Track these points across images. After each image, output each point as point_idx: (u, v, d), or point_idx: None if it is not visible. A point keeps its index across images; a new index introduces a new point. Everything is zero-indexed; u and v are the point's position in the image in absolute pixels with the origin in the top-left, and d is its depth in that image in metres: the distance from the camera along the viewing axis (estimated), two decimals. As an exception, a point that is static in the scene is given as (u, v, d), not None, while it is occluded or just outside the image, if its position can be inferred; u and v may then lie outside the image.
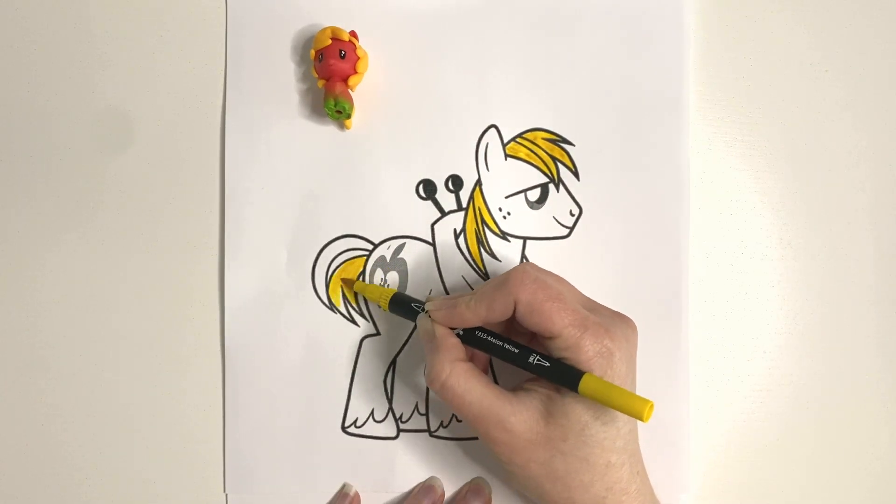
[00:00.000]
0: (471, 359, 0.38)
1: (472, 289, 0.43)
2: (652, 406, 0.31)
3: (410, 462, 0.42)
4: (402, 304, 0.40)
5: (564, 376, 0.33)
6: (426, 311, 0.38)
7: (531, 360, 0.35)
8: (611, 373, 0.33)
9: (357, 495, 0.42)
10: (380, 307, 0.41)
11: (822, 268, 0.44)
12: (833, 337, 0.44)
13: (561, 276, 0.38)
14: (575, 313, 0.34)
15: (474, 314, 0.35)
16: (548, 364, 0.34)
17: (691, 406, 0.43)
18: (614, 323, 0.35)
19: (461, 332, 0.37)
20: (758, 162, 0.44)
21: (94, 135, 0.43)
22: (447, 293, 0.43)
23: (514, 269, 0.35)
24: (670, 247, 0.43)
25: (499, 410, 0.34)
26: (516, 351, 0.35)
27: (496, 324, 0.37)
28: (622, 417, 0.35)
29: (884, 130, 0.44)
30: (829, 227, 0.44)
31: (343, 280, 0.43)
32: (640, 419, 0.31)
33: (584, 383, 0.32)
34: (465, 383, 0.35)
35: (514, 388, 0.36)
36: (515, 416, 0.34)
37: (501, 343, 0.36)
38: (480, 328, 0.37)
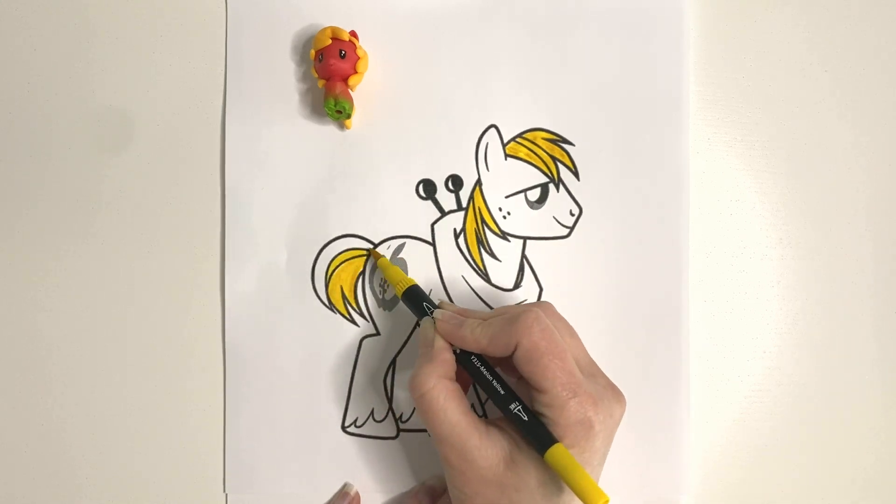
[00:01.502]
0: (457, 376, 0.37)
1: (472, 288, 0.43)
2: (607, 501, 0.30)
3: (410, 462, 0.42)
4: (414, 300, 0.39)
5: (536, 437, 0.33)
6: (433, 318, 0.38)
7: (512, 407, 0.34)
8: (584, 444, 0.33)
9: (357, 495, 0.42)
10: (386, 294, 0.41)
11: (822, 268, 0.44)
12: (833, 337, 0.44)
13: (572, 327, 0.37)
14: (569, 375, 0.33)
15: (475, 342, 0.35)
16: (525, 418, 0.34)
17: (691, 406, 0.43)
18: (604, 396, 0.35)
19: (458, 350, 0.37)
20: (758, 162, 0.44)
21: (94, 135, 0.43)
22: (447, 293, 0.43)
23: (527, 311, 0.34)
24: (670, 247, 0.43)
25: (466, 440, 0.34)
26: (501, 392, 0.35)
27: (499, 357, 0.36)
28: None
29: (883, 130, 0.44)
30: (828, 227, 0.44)
31: (370, 251, 0.42)
32: None
33: (552, 453, 0.32)
34: (444, 402, 0.34)
35: (490, 422, 0.36)
36: (480, 451, 0.34)
37: (491, 378, 0.36)
38: (477, 355, 0.36)
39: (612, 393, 0.35)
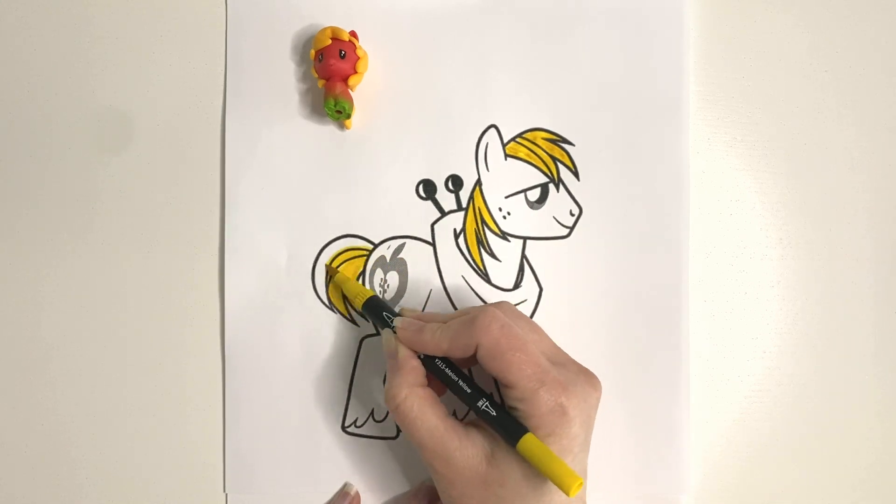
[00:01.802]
0: (430, 382, 0.38)
1: (472, 288, 0.43)
2: (580, 483, 0.31)
3: (410, 462, 0.42)
4: (375, 311, 0.40)
5: (507, 429, 0.34)
6: (392, 328, 0.38)
7: (479, 404, 0.35)
8: (560, 431, 0.33)
9: (357, 495, 0.42)
10: (386, 294, 0.41)
11: (822, 268, 0.44)
12: (833, 337, 0.44)
13: (535, 322, 0.38)
14: (535, 366, 0.33)
15: (436, 346, 0.36)
16: (494, 413, 0.34)
17: (691, 406, 0.43)
18: (575, 381, 0.35)
19: (422, 356, 0.37)
20: (758, 162, 0.44)
21: (94, 135, 0.43)
22: (447, 293, 0.43)
23: (484, 310, 0.35)
24: (670, 247, 0.43)
25: (446, 444, 0.34)
26: (468, 391, 0.35)
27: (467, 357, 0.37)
28: None
29: (884, 130, 0.44)
30: (829, 227, 0.44)
31: (326, 266, 0.42)
32: (567, 493, 0.31)
33: (522, 443, 0.32)
34: (419, 410, 0.35)
35: (468, 423, 0.36)
36: (460, 451, 0.34)
37: (456, 378, 0.36)
38: (441, 357, 0.37)
39: (585, 377, 0.36)
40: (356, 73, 0.41)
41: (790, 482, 0.44)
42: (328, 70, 0.40)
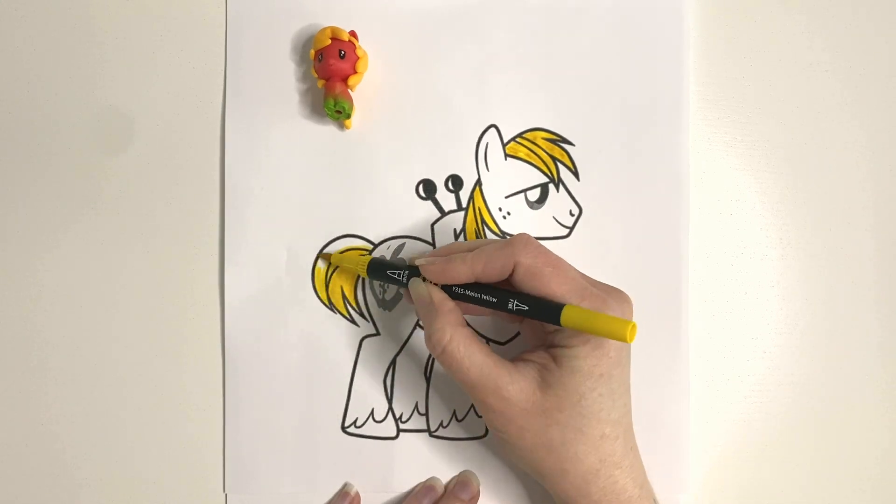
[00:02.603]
0: None
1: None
2: (635, 326, 0.31)
3: (410, 462, 0.42)
4: (380, 270, 0.39)
5: (546, 312, 0.34)
6: (418, 269, 0.37)
7: (510, 305, 0.35)
8: (606, 345, 0.34)
9: (357, 495, 0.42)
10: (386, 294, 0.41)
11: (822, 268, 0.44)
12: (833, 337, 0.44)
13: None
14: (574, 281, 0.34)
15: (470, 269, 0.35)
16: (527, 307, 0.34)
17: (691, 406, 0.43)
18: (611, 295, 0.35)
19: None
20: (758, 162, 0.44)
21: (94, 135, 0.43)
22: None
23: (518, 234, 0.36)
24: (670, 247, 0.43)
25: (497, 378, 0.35)
26: (495, 300, 0.35)
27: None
28: (617, 388, 0.35)
29: (884, 130, 0.44)
30: (829, 227, 0.44)
31: (322, 256, 0.42)
32: (624, 340, 0.31)
33: (567, 313, 0.33)
34: (466, 349, 0.35)
35: (513, 359, 0.37)
36: (513, 384, 0.35)
37: (479, 294, 0.36)
38: (462, 285, 0.36)
39: (617, 293, 0.36)
40: (356, 73, 0.41)
41: (790, 482, 0.44)
42: (328, 70, 0.40)
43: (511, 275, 0.35)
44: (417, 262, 0.38)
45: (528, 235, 0.36)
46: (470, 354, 0.35)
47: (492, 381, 0.35)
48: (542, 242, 0.42)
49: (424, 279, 0.37)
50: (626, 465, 0.35)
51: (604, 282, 0.37)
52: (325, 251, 0.43)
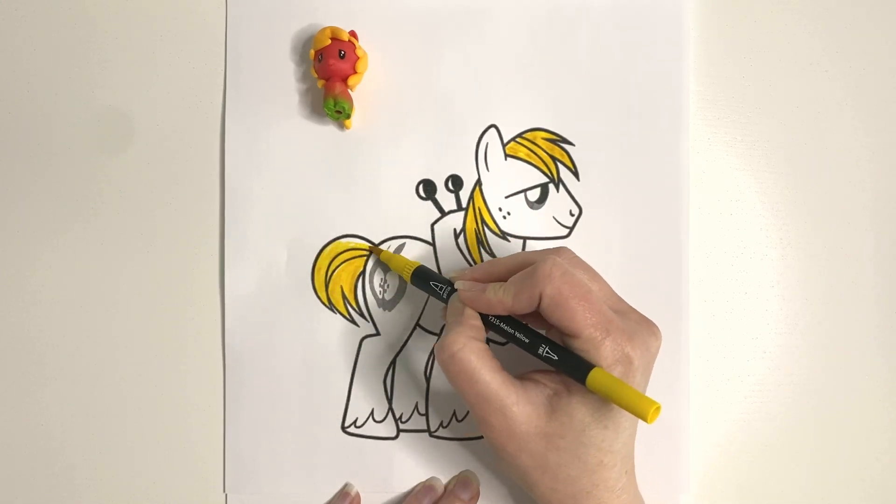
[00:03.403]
0: None
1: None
2: (658, 408, 0.30)
3: (410, 462, 0.42)
4: (424, 280, 0.40)
5: (573, 368, 0.33)
6: (456, 290, 0.38)
7: (540, 350, 0.34)
8: (626, 381, 0.33)
9: (358, 495, 0.42)
10: (386, 294, 0.41)
11: (822, 268, 0.44)
12: (833, 337, 0.44)
13: (594, 269, 0.37)
14: (599, 314, 0.33)
15: (500, 303, 0.35)
16: (556, 357, 0.34)
17: (691, 406, 0.43)
18: (639, 329, 0.35)
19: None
20: (758, 162, 0.44)
21: (94, 135, 0.43)
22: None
23: (545, 259, 0.34)
24: (670, 247, 0.43)
25: (504, 396, 0.34)
26: (527, 340, 0.35)
27: (526, 314, 0.36)
28: (624, 423, 0.34)
29: (884, 130, 0.44)
30: (829, 227, 0.44)
31: (371, 248, 0.43)
32: (645, 420, 0.30)
33: (593, 377, 0.32)
34: (477, 361, 0.34)
35: (522, 377, 0.36)
36: (518, 405, 0.34)
37: (513, 331, 0.36)
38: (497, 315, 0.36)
39: (647, 326, 0.36)
40: (356, 73, 0.41)
41: (790, 482, 0.44)
42: (328, 70, 0.40)
43: (538, 307, 0.34)
44: (456, 285, 0.38)
45: (555, 259, 0.34)
46: (480, 367, 0.34)
47: (497, 398, 0.34)
48: (542, 243, 0.43)
49: None
50: (618, 488, 0.35)
51: (636, 308, 0.37)
52: (332, 261, 0.43)
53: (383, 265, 0.43)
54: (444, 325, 0.43)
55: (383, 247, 0.43)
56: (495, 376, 0.34)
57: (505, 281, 0.36)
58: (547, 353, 0.34)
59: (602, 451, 0.34)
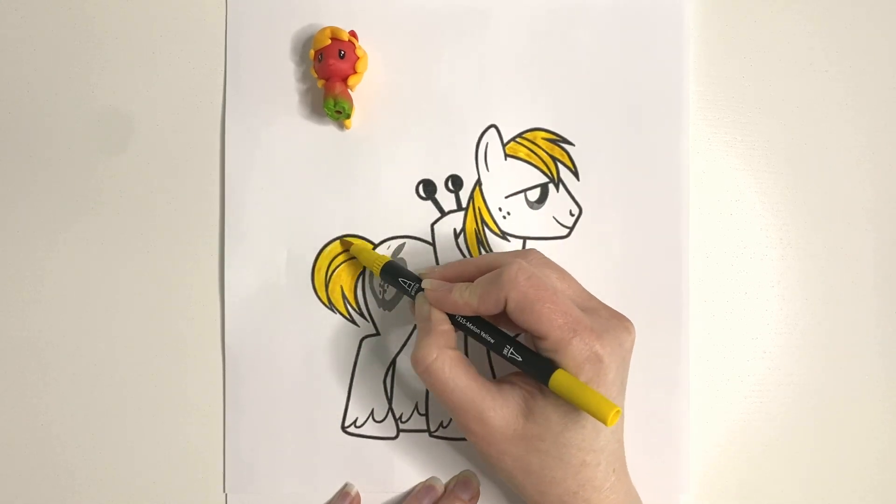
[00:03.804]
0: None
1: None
2: (618, 412, 0.30)
3: (410, 462, 0.42)
4: (393, 276, 0.39)
5: (536, 370, 0.33)
6: (413, 293, 0.38)
7: (505, 351, 0.35)
8: (597, 379, 0.33)
9: (358, 495, 0.42)
10: (386, 294, 0.41)
11: (822, 268, 0.44)
12: (833, 337, 0.44)
13: (563, 269, 0.37)
14: (565, 315, 0.33)
15: (466, 305, 0.35)
16: (520, 358, 0.34)
17: (691, 406, 0.43)
18: (609, 326, 0.35)
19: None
20: (758, 162, 0.44)
21: (93, 135, 0.43)
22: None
23: (510, 263, 0.34)
24: (670, 247, 0.43)
25: (480, 403, 0.34)
26: (492, 341, 0.35)
27: (497, 315, 0.36)
28: None
29: (884, 130, 0.44)
30: (829, 227, 0.44)
31: (341, 241, 0.42)
32: (604, 423, 0.30)
33: (555, 379, 0.32)
34: (450, 371, 0.35)
35: (501, 380, 0.36)
36: (495, 410, 0.34)
37: (479, 330, 0.36)
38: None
39: (618, 322, 0.35)
40: (356, 73, 0.41)
41: (790, 482, 0.44)
42: (328, 70, 0.40)
43: (504, 310, 0.34)
44: (423, 283, 0.38)
45: (521, 262, 0.34)
46: (454, 377, 0.35)
47: (474, 405, 0.34)
48: (542, 243, 0.43)
49: None
50: (605, 487, 0.35)
51: (605, 302, 0.37)
52: (331, 261, 0.43)
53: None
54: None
55: (383, 247, 0.43)
56: (470, 384, 0.35)
57: (473, 281, 0.36)
58: (511, 354, 0.34)
59: (583, 450, 0.34)
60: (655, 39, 0.43)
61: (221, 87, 0.43)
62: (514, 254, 0.37)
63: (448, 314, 0.37)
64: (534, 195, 0.43)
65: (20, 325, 0.43)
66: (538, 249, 0.38)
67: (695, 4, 0.44)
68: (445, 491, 0.42)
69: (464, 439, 0.43)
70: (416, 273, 0.39)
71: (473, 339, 0.36)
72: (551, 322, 0.33)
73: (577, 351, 0.33)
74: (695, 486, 0.43)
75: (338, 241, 0.43)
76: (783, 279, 0.44)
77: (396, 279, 0.39)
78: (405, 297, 0.42)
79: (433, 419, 0.43)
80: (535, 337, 0.34)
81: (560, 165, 0.43)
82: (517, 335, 0.39)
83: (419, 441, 0.43)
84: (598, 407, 0.31)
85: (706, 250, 0.44)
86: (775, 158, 0.44)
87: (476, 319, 0.36)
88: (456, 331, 0.37)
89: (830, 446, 0.44)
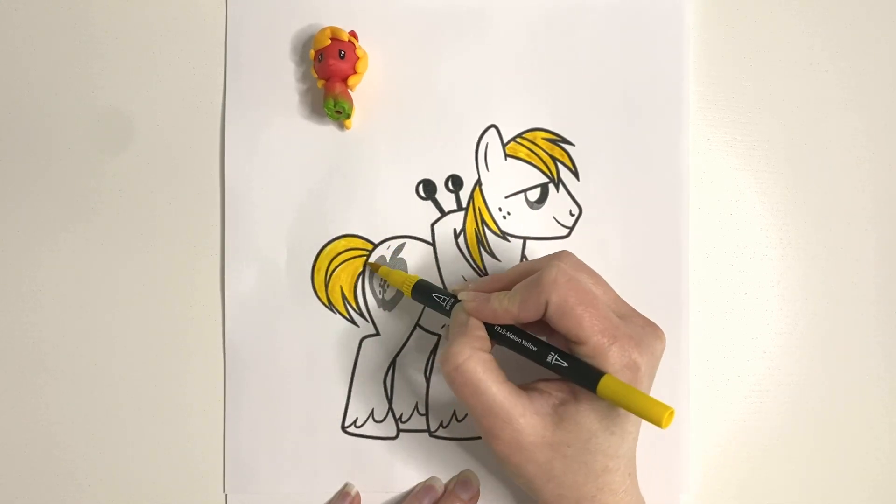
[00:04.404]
0: None
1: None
2: (672, 413, 0.30)
3: (410, 462, 0.42)
4: (425, 294, 0.39)
5: (583, 376, 0.33)
6: (460, 302, 0.37)
7: (549, 359, 0.34)
8: (634, 387, 0.33)
9: (358, 495, 0.42)
10: (385, 294, 0.41)
11: (822, 268, 0.44)
12: (833, 337, 0.44)
13: (596, 272, 0.37)
14: (605, 321, 0.33)
15: (506, 312, 0.35)
16: (566, 364, 0.33)
17: (691, 406, 0.43)
18: (644, 334, 0.35)
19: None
20: (758, 162, 0.44)
21: (93, 135, 0.43)
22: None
23: (549, 266, 0.34)
24: (670, 247, 0.43)
25: (510, 408, 0.34)
26: (534, 349, 0.35)
27: (529, 323, 0.36)
28: (630, 428, 0.34)
29: (884, 130, 0.44)
30: (829, 227, 0.44)
31: (369, 264, 0.42)
32: (659, 425, 0.30)
33: (604, 385, 0.32)
34: (484, 373, 0.34)
35: (527, 387, 0.36)
36: (525, 417, 0.34)
37: (520, 340, 0.35)
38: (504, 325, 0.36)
39: (652, 330, 0.35)
40: (356, 73, 0.41)
41: (790, 482, 0.44)
42: (328, 70, 0.40)
43: (544, 315, 0.34)
44: (460, 295, 0.37)
45: (560, 264, 0.34)
46: (487, 379, 0.34)
47: (504, 410, 0.34)
48: (542, 243, 0.43)
49: None
50: (621, 491, 0.35)
51: (640, 311, 0.36)
52: (372, 261, 0.42)
53: (384, 264, 0.43)
54: (443, 326, 0.43)
55: (383, 246, 0.43)
56: (501, 388, 0.34)
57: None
58: (556, 361, 0.34)
59: (608, 456, 0.34)
60: (655, 39, 0.43)
61: (221, 87, 0.43)
62: (550, 257, 0.37)
63: (487, 328, 0.36)
64: (534, 195, 0.43)
65: (20, 324, 0.43)
66: (571, 252, 0.37)
67: (695, 4, 0.44)
68: (445, 491, 0.42)
69: (464, 439, 0.43)
70: (450, 290, 0.39)
71: (512, 350, 0.36)
72: (592, 327, 0.33)
73: (615, 358, 0.33)
74: (695, 486, 0.43)
75: (337, 241, 0.43)
76: (783, 279, 0.44)
77: (430, 296, 0.39)
78: (405, 298, 0.42)
79: (433, 419, 0.43)
80: (573, 342, 0.33)
81: (560, 165, 0.43)
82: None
83: (419, 441, 0.43)
84: (651, 410, 0.30)
85: (706, 250, 0.44)
86: (775, 158, 0.44)
87: (514, 329, 0.36)
88: (492, 343, 0.36)
89: (830, 446, 0.44)
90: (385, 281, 0.43)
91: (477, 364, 0.34)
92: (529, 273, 0.35)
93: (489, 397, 0.34)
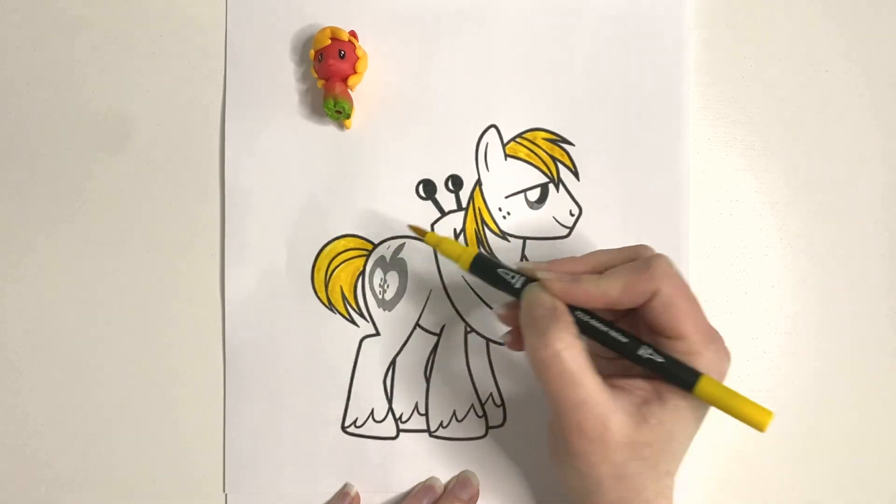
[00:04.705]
0: None
1: (472, 288, 0.43)
2: (771, 416, 0.30)
3: (410, 462, 0.42)
4: (487, 269, 0.35)
5: (678, 375, 0.31)
6: (539, 281, 0.34)
7: (641, 352, 0.32)
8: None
9: (357, 495, 0.42)
10: (385, 294, 0.41)
11: (823, 268, 0.44)
12: (833, 337, 0.44)
13: None
14: (706, 321, 0.32)
15: (603, 294, 0.32)
16: (661, 360, 0.32)
17: (691, 406, 0.43)
18: (722, 342, 0.33)
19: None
20: (758, 162, 0.44)
21: (93, 135, 0.43)
22: (447, 293, 0.43)
23: (656, 256, 0.32)
24: (670, 247, 0.43)
25: (604, 404, 0.31)
26: (625, 340, 0.32)
27: (606, 311, 0.34)
28: (698, 431, 0.34)
29: (885, 130, 0.44)
30: (829, 227, 0.44)
31: (413, 227, 0.38)
32: (760, 429, 0.29)
33: (703, 385, 0.31)
34: (583, 364, 0.31)
35: (609, 383, 0.33)
36: (616, 414, 0.31)
37: (606, 329, 0.33)
38: (583, 309, 0.33)
39: (723, 342, 0.34)
40: (356, 73, 0.41)
41: (790, 482, 0.43)
42: (327, 70, 0.40)
43: (644, 303, 0.32)
44: (539, 274, 0.34)
45: (667, 258, 0.33)
46: (585, 370, 0.31)
47: (599, 406, 0.31)
48: (542, 243, 0.43)
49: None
50: (668, 494, 0.34)
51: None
52: (331, 261, 0.42)
53: (383, 265, 0.43)
54: (443, 326, 0.43)
55: (383, 247, 0.43)
56: (597, 381, 0.32)
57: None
58: (650, 355, 0.32)
59: (676, 459, 0.33)
60: (655, 40, 0.43)
61: (221, 87, 0.43)
62: (645, 247, 0.35)
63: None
64: (534, 195, 0.43)
65: (20, 324, 0.43)
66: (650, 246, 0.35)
67: (695, 5, 0.44)
68: (445, 491, 0.42)
69: (464, 439, 0.42)
70: (516, 268, 0.35)
71: (594, 339, 0.33)
72: (696, 324, 0.32)
73: (709, 360, 0.32)
74: (695, 487, 0.43)
75: (337, 241, 0.43)
76: (783, 279, 0.44)
77: (494, 272, 0.35)
78: (405, 298, 0.42)
79: (433, 419, 0.43)
80: (668, 336, 0.32)
81: (560, 165, 0.43)
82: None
83: (419, 441, 0.43)
84: (752, 413, 0.30)
85: (706, 250, 0.44)
86: (775, 158, 0.44)
87: (600, 318, 0.33)
88: None
89: (830, 446, 0.44)
90: (385, 281, 0.43)
91: (575, 353, 0.31)
92: (615, 261, 0.34)
93: (585, 390, 0.31)
